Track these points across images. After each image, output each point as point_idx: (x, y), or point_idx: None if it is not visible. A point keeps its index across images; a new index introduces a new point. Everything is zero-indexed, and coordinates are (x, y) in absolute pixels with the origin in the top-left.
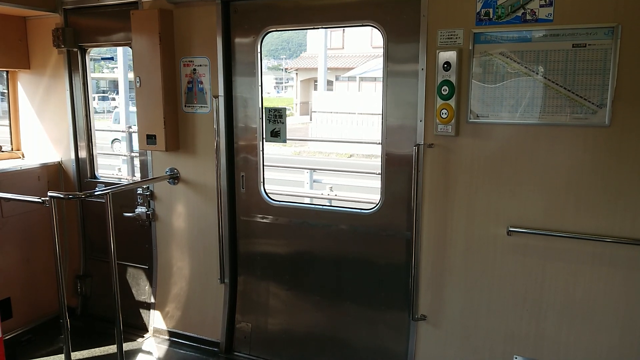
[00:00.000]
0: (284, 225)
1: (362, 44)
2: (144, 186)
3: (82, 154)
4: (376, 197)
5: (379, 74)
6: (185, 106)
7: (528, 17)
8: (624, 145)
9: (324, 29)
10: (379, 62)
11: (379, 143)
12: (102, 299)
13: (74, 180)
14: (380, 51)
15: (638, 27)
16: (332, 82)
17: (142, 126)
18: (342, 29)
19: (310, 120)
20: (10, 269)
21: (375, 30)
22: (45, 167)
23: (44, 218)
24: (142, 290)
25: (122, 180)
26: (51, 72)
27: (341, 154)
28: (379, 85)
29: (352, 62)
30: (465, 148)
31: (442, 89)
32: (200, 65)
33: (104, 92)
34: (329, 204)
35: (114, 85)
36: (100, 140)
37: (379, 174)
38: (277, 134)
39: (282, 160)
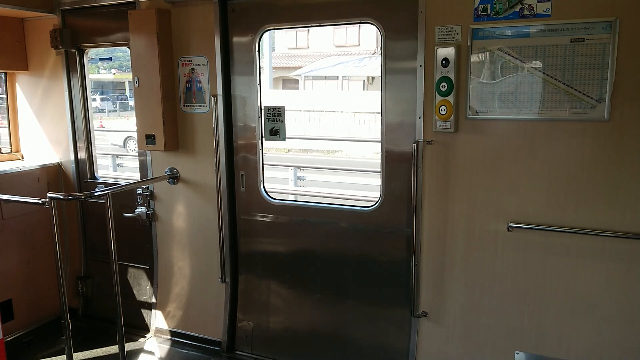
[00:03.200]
0: (284, 223)
1: (326, 43)
2: (144, 186)
3: (82, 154)
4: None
5: (323, 72)
6: (184, 106)
7: (526, 12)
8: (623, 139)
9: (313, 28)
10: (326, 61)
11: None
12: (103, 299)
13: (73, 181)
14: (341, 50)
15: (636, 21)
16: (297, 80)
17: (141, 126)
18: (307, 29)
19: None
20: (11, 271)
21: (338, 29)
22: (44, 168)
23: (44, 219)
24: (143, 290)
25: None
26: (49, 73)
27: (280, 149)
28: (324, 84)
29: (314, 61)
30: (465, 144)
31: (441, 85)
32: (199, 65)
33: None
34: (329, 202)
35: (112, 85)
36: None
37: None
38: (276, 133)
39: None
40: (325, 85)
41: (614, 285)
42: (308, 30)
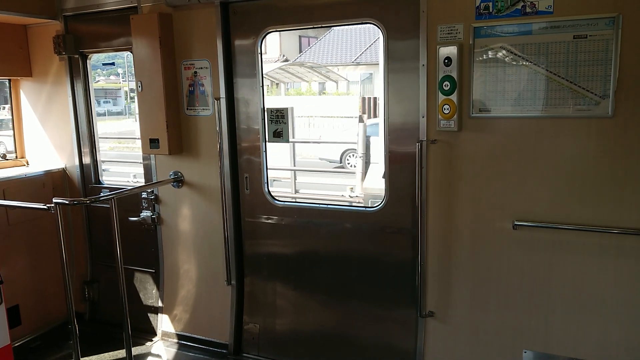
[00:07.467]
0: (289, 225)
1: None
2: (149, 190)
3: (86, 159)
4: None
5: None
6: (187, 109)
7: (528, 9)
8: (628, 135)
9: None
10: None
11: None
12: (109, 303)
13: (78, 186)
14: (267, 56)
15: (638, 16)
16: None
17: (145, 130)
18: None
19: None
20: (18, 276)
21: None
22: (49, 173)
23: (49, 225)
24: (150, 294)
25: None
26: (53, 79)
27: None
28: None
29: None
30: (469, 143)
31: (444, 84)
32: (201, 68)
33: None
34: (333, 203)
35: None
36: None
37: None
38: (279, 135)
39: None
40: None
41: (621, 282)
42: None
